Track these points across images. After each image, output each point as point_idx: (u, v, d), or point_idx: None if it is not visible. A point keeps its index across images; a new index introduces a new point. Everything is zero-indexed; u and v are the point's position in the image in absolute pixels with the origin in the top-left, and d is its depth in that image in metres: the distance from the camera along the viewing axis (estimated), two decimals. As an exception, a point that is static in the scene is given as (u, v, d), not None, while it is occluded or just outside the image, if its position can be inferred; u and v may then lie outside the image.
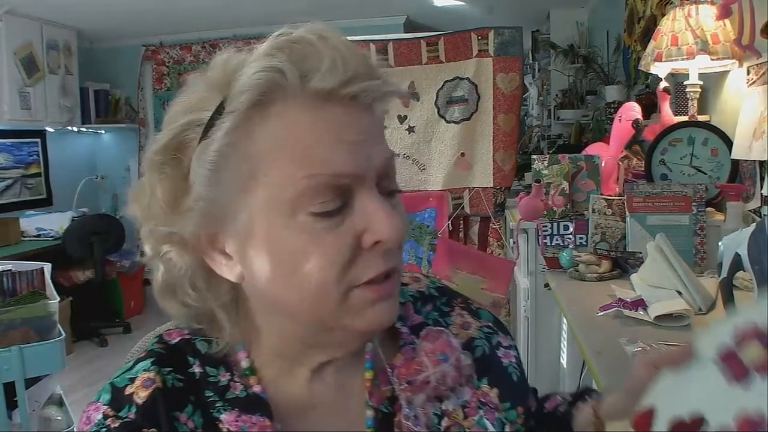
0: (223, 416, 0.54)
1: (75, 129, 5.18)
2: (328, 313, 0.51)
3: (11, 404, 1.97)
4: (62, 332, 2.04)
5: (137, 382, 0.54)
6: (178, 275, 0.55)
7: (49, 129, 4.96)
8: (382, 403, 0.58)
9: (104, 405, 0.53)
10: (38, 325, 2.00)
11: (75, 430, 2.12)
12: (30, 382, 2.02)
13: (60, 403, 2.18)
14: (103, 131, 5.52)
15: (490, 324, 0.68)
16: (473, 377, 0.62)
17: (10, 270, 2.16)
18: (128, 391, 0.54)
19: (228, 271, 0.54)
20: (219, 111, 0.50)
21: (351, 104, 0.51)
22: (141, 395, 0.53)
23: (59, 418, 2.14)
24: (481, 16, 4.75)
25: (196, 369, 0.56)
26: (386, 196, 0.53)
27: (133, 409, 0.52)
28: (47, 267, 2.29)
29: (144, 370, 0.55)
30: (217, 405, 0.55)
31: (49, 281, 2.27)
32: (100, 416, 0.53)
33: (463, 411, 0.60)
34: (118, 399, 0.53)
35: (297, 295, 0.51)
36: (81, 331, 4.31)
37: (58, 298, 2.17)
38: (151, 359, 0.56)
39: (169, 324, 0.63)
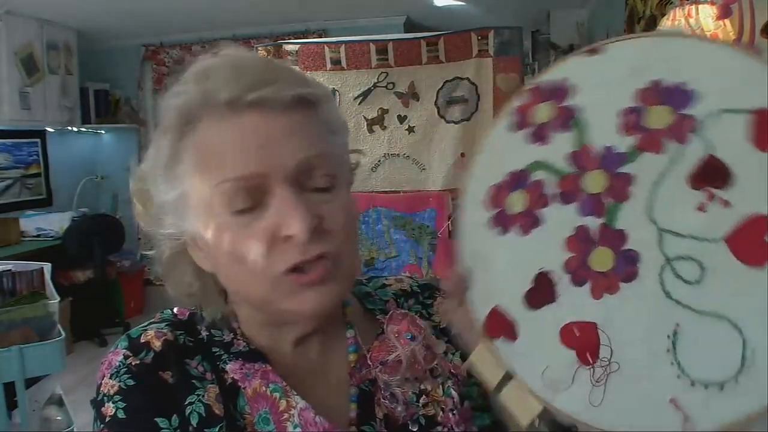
0: (228, 366, 0.60)
1: (75, 129, 5.17)
2: (264, 298, 0.56)
3: (11, 404, 1.97)
4: (62, 332, 2.03)
5: (151, 333, 0.60)
6: (171, 261, 0.61)
7: (49, 129, 4.95)
8: (363, 382, 0.63)
9: (123, 349, 0.59)
10: (38, 325, 2.00)
11: (75, 430, 2.12)
12: (30, 382, 2.02)
13: (60, 403, 2.18)
14: (103, 131, 5.51)
15: None
16: (448, 354, 0.66)
17: (10, 270, 2.16)
18: (143, 339, 0.59)
19: (202, 261, 0.60)
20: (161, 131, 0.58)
21: (262, 110, 0.55)
22: (156, 344, 0.59)
23: (59, 418, 2.14)
24: (481, 16, 4.75)
25: (204, 333, 0.62)
26: (313, 192, 0.56)
27: (150, 354, 0.58)
28: (47, 267, 2.29)
29: (158, 329, 0.61)
30: (222, 357, 0.60)
31: (49, 281, 2.27)
32: (120, 357, 0.58)
33: (442, 388, 0.64)
34: (136, 345, 0.59)
35: (237, 283, 0.58)
36: (81, 331, 4.30)
37: (58, 298, 2.17)
38: (165, 322, 0.62)
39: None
